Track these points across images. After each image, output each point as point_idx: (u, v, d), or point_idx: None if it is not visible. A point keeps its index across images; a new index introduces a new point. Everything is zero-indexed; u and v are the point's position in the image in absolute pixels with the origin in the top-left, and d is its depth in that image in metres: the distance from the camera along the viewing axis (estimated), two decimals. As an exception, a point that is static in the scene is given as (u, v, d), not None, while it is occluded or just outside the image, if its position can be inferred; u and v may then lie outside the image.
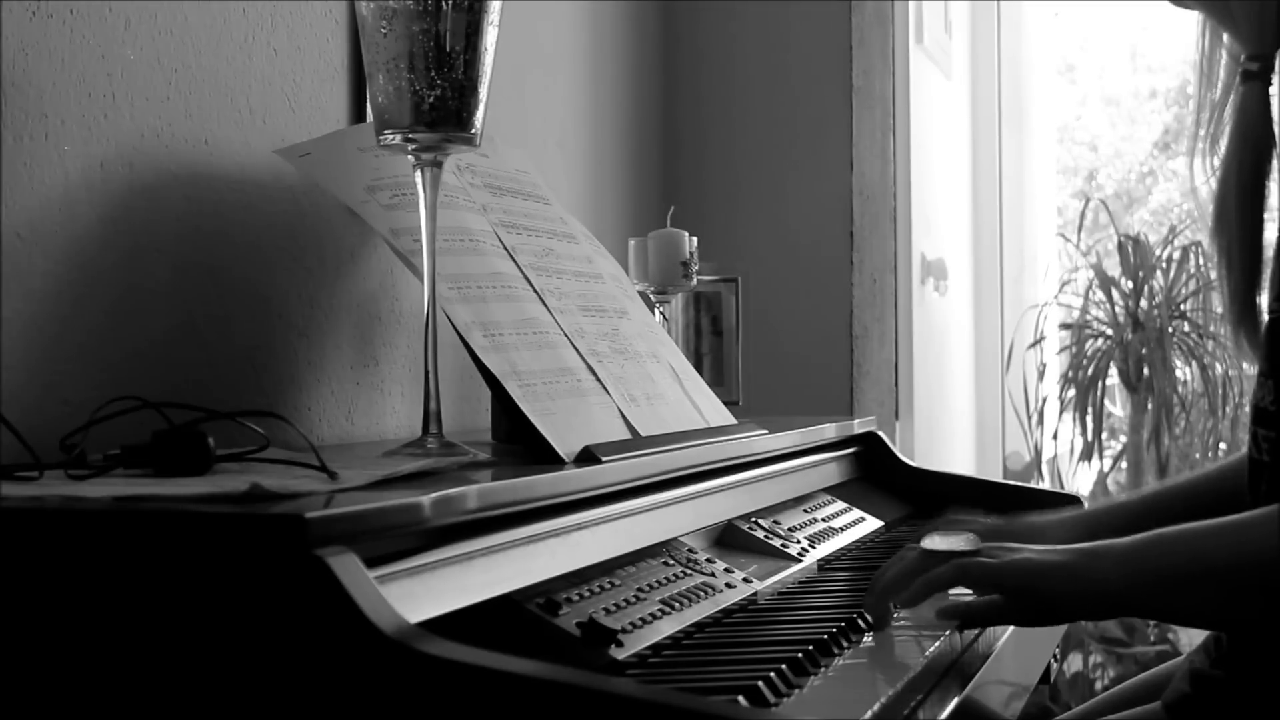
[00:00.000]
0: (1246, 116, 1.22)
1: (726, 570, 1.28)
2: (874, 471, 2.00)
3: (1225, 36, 1.33)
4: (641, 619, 1.06)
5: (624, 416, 1.34)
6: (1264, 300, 1.24)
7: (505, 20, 1.14)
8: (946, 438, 3.49)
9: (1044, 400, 4.14)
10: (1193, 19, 1.34)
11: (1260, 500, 1.20)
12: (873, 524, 1.76)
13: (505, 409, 1.24)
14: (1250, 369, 1.23)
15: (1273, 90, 1.25)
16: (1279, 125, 1.22)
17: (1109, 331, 4.11)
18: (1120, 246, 4.16)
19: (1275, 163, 1.24)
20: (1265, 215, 1.26)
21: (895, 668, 1.03)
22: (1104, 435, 4.19)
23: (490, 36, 1.12)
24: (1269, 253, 1.22)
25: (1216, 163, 1.31)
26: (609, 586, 1.10)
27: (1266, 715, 1.20)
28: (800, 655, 1.01)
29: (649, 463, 1.27)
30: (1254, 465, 1.22)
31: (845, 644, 1.10)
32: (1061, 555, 1.12)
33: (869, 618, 1.16)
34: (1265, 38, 1.20)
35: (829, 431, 1.85)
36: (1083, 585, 1.10)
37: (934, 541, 1.17)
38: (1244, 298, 1.26)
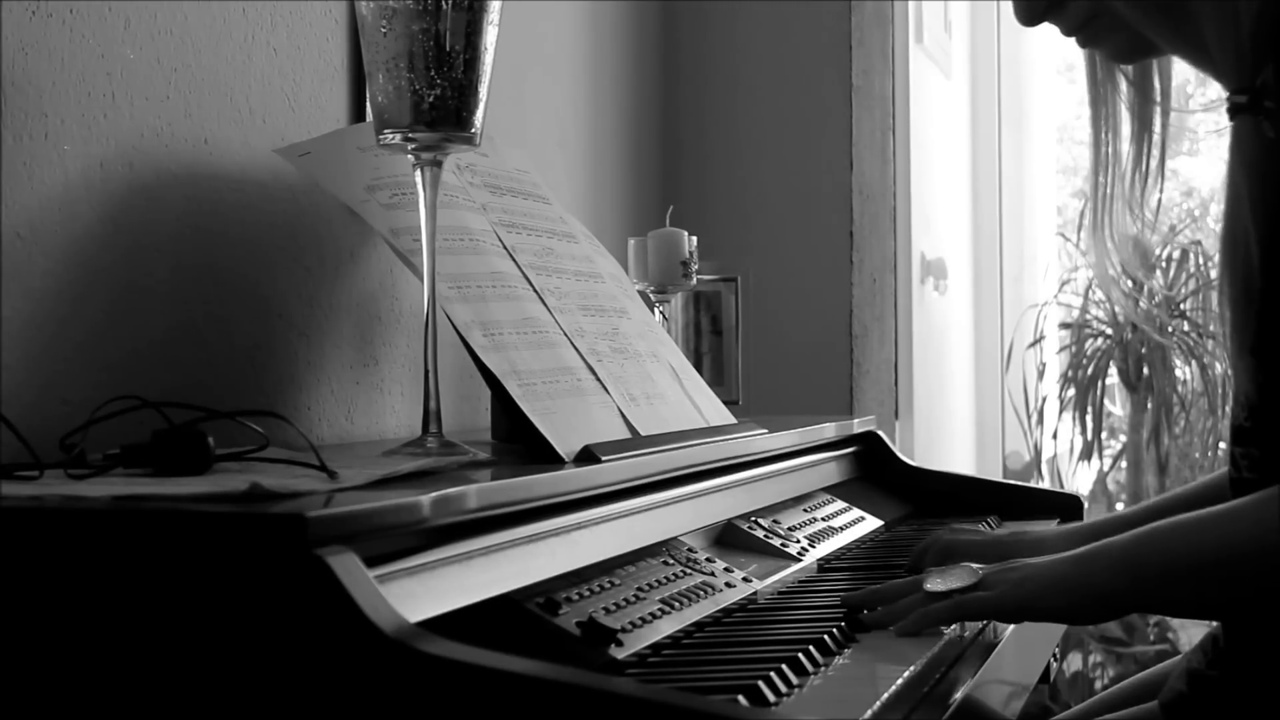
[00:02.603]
0: (1244, 149, 1.20)
1: (726, 570, 1.28)
2: (874, 471, 2.00)
3: (1120, 84, 1.33)
4: (641, 618, 1.06)
5: (624, 416, 1.34)
6: None
7: (505, 20, 1.14)
8: (946, 437, 3.49)
9: (1044, 400, 4.14)
10: None
11: None
12: (872, 523, 1.76)
13: (505, 408, 1.24)
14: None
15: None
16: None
17: (1109, 331, 4.11)
18: (1120, 246, 4.16)
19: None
20: None
21: (895, 667, 1.03)
22: (1104, 435, 4.19)
23: (490, 36, 1.12)
24: None
25: (1146, 207, 1.31)
26: (609, 586, 1.10)
27: (1263, 715, 1.20)
28: (800, 655, 1.01)
29: (649, 462, 1.27)
30: (1237, 485, 1.21)
31: (845, 644, 1.10)
32: (1055, 569, 1.13)
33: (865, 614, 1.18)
34: (1244, 68, 1.19)
35: (829, 431, 1.85)
36: (1080, 595, 1.12)
37: (935, 584, 1.17)
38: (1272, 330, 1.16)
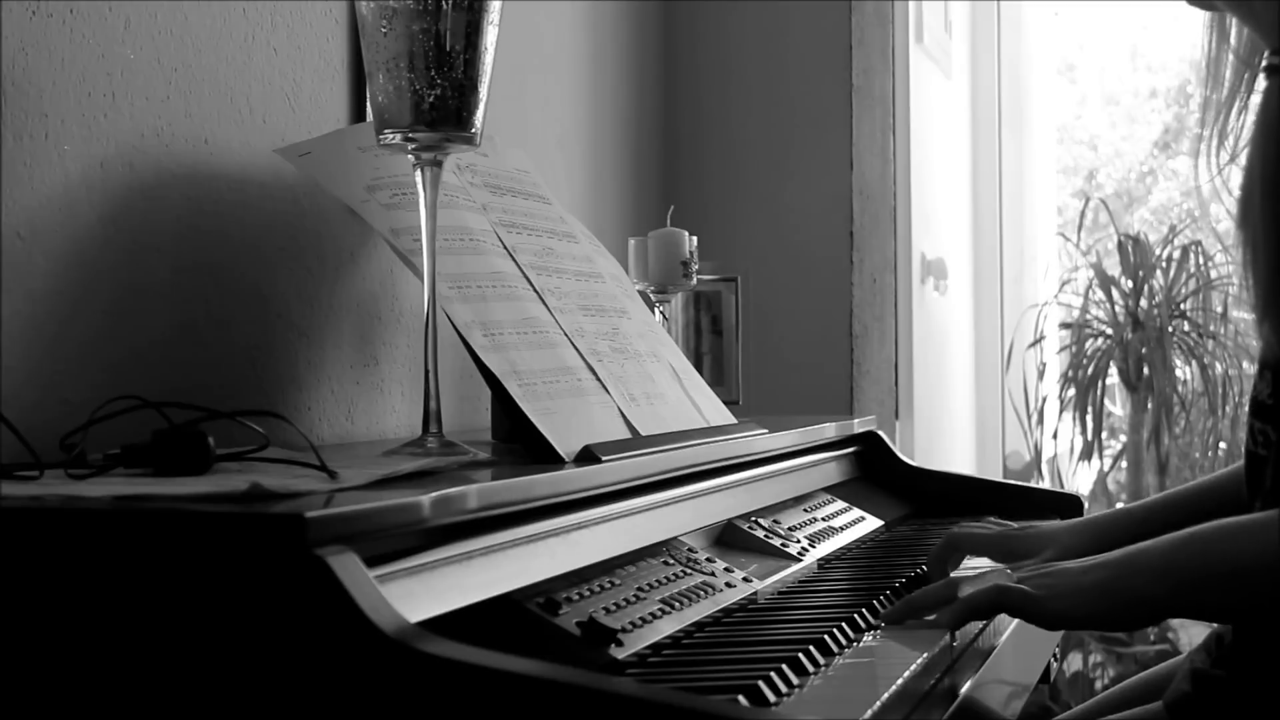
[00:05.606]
0: (1269, 112, 1.20)
1: (726, 570, 1.28)
2: (874, 471, 2.00)
3: (1231, 38, 1.32)
4: (641, 618, 1.06)
5: (624, 416, 1.34)
6: None
7: (505, 20, 1.14)
8: (946, 437, 3.49)
9: (1044, 400, 4.14)
10: (1195, 18, 1.34)
11: (1262, 494, 1.21)
12: (872, 523, 1.76)
13: (505, 408, 1.24)
14: (1250, 367, 1.23)
15: None
16: None
17: (1109, 331, 4.11)
18: (1120, 246, 4.17)
19: None
20: None
21: (895, 667, 1.03)
22: (1104, 435, 4.19)
23: (490, 36, 1.12)
24: None
25: (1222, 160, 1.30)
26: (609, 586, 1.10)
27: (1268, 715, 1.20)
28: (800, 655, 1.01)
29: (649, 462, 1.27)
30: (1251, 459, 1.23)
31: (845, 644, 1.10)
32: (1092, 575, 1.13)
33: (876, 614, 1.18)
34: None
35: (829, 431, 1.85)
36: (1122, 601, 1.12)
37: (969, 590, 1.17)
38: (1270, 290, 1.21)
